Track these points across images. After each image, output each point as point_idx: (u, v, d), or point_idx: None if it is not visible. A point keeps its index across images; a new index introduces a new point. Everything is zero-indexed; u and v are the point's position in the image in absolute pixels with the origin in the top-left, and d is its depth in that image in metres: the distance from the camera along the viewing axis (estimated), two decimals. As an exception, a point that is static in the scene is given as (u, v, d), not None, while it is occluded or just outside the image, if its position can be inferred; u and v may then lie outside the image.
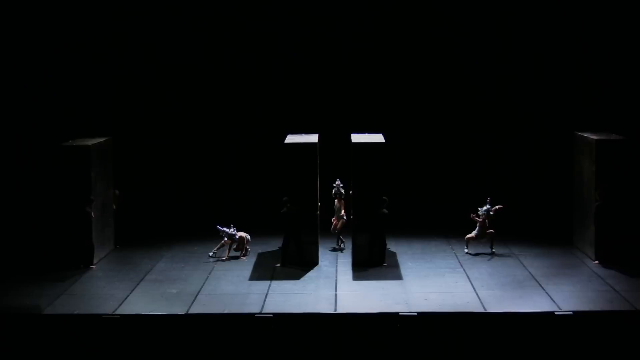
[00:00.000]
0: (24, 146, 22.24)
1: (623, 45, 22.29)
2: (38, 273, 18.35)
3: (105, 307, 16.10)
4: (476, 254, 19.49)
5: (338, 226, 19.93)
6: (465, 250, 19.71)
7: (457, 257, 19.42)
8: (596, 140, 19.03)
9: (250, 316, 15.40)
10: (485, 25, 22.95)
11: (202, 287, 17.38)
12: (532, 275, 17.98)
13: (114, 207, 20.46)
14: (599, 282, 17.51)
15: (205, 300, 16.54)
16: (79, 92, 22.60)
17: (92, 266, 18.83)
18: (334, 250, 20.07)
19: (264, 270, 18.48)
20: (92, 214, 18.84)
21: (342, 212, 19.78)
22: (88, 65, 22.68)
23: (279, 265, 18.80)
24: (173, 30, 22.98)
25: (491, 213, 19.41)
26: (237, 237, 19.39)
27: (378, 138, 19.34)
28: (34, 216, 21.23)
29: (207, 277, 18.07)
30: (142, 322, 15.32)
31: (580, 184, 19.95)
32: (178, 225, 22.02)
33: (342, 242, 20.17)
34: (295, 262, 18.76)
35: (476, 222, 19.47)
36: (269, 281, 17.68)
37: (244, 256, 19.47)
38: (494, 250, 19.58)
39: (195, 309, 15.99)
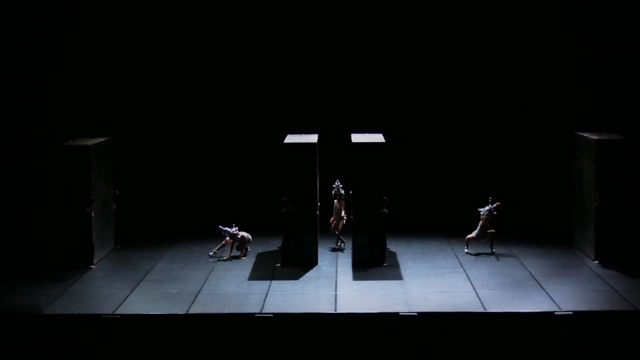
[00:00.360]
0: (24, 146, 22.23)
1: (623, 45, 22.29)
2: (38, 273, 18.33)
3: (105, 307, 16.09)
4: (476, 254, 19.50)
5: (339, 227, 19.94)
6: (465, 250, 19.70)
7: (457, 257, 19.41)
8: (596, 140, 19.01)
9: (250, 316, 15.39)
10: (485, 24, 22.95)
11: (202, 287, 17.38)
12: (532, 275, 17.97)
13: (114, 207, 20.47)
14: (599, 282, 17.50)
15: (205, 300, 16.54)
16: (79, 92, 22.59)
17: (92, 266, 18.82)
18: (334, 250, 20.07)
19: (264, 270, 18.48)
20: (92, 214, 18.85)
21: (343, 212, 19.80)
22: (88, 65, 22.69)
23: (279, 265, 18.80)
24: (173, 30, 22.99)
25: (494, 213, 19.40)
26: (239, 236, 19.40)
27: (378, 138, 19.33)
28: (34, 216, 21.23)
29: (207, 277, 18.07)
30: (142, 322, 15.30)
31: (580, 184, 19.95)
32: (178, 225, 22.03)
33: (342, 242, 20.17)
34: (295, 262, 18.77)
35: (485, 221, 19.39)
36: (269, 281, 17.67)
37: (244, 256, 19.47)
38: (494, 250, 19.58)
39: (195, 309, 15.99)
